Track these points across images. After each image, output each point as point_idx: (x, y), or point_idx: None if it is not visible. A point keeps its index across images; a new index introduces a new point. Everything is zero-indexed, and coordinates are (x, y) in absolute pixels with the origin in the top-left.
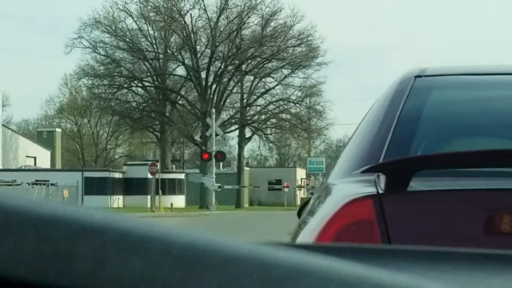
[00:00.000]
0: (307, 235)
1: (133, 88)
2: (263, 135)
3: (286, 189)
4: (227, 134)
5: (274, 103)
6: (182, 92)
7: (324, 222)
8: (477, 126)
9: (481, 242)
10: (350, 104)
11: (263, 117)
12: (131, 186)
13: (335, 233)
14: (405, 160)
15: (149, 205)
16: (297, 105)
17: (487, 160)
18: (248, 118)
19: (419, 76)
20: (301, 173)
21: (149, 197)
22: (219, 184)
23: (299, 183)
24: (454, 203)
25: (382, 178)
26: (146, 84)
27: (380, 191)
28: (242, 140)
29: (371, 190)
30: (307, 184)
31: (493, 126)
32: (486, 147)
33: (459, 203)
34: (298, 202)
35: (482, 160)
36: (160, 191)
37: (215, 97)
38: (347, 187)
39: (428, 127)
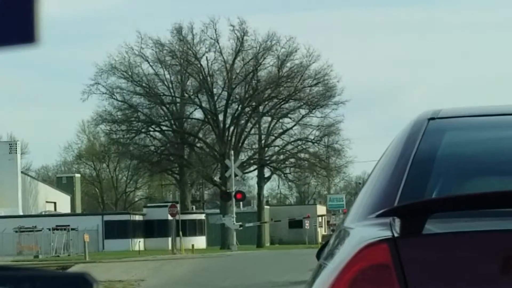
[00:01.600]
0: (324, 281)
1: (151, 133)
2: (282, 175)
3: (307, 226)
4: (246, 175)
5: (292, 143)
6: (200, 135)
7: (340, 268)
8: (492, 166)
9: (501, 284)
10: (369, 141)
11: (281, 157)
12: (152, 228)
13: (351, 278)
14: (419, 202)
15: (170, 247)
16: (316, 144)
17: (504, 200)
18: (267, 158)
19: (433, 119)
20: (321, 210)
21: (170, 239)
22: (240, 223)
23: (320, 220)
24: (471, 245)
25: (398, 221)
26: (164, 128)
27: (396, 235)
28: (262, 180)
29: (387, 233)
30: (328, 222)
31: (508, 165)
32: (501, 187)
33: (477, 245)
34: (320, 239)
35: (499, 201)
36: (180, 233)
37: (233, 139)
38: (362, 231)
39: (442, 169)
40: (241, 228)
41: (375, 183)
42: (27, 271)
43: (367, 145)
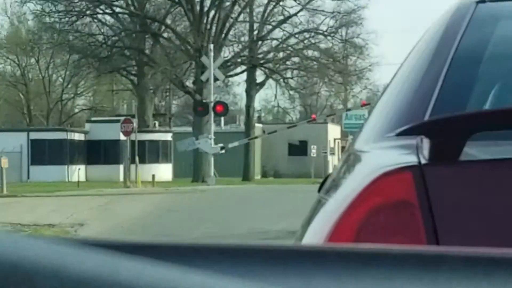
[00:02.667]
0: (323, 222)
1: (99, 16)
2: (281, 80)
3: (313, 153)
4: (230, 79)
5: (296, 35)
6: (168, 21)
7: (346, 205)
8: None
9: None
10: (402, 36)
11: (281, 54)
12: (97, 152)
13: (359, 220)
14: (460, 117)
15: (122, 178)
16: (329, 38)
17: None
18: (260, 56)
19: (483, 1)
20: (334, 131)
21: (121, 166)
22: (221, 145)
23: (332, 145)
24: None
25: (427, 142)
26: (118, 10)
27: (423, 161)
28: (252, 87)
29: (411, 159)
30: (343, 147)
31: None
32: None
33: None
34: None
35: None
36: (137, 158)
37: (214, 28)
38: (377, 156)
39: (492, 72)
40: (222, 151)
41: (398, 90)
42: None
43: (399, 42)
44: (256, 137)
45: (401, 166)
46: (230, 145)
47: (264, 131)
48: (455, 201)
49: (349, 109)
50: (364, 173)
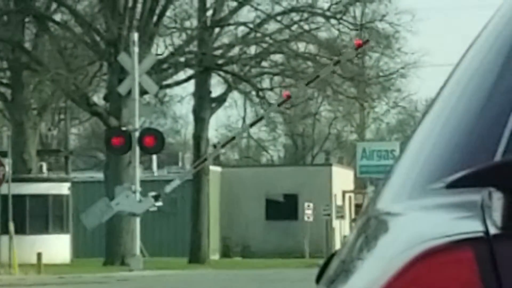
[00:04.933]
0: None
1: None
2: (254, 92)
3: (308, 216)
4: (168, 91)
5: (278, 17)
6: None
7: None
8: None
9: None
10: (456, 19)
11: (252, 50)
12: None
13: None
14: None
15: None
16: (333, 21)
17: None
18: (218, 53)
19: None
20: (343, 178)
21: None
22: (154, 193)
23: (340, 201)
24: None
25: (499, 198)
26: None
27: (493, 230)
28: (204, 104)
29: (473, 226)
30: (359, 206)
31: None
32: None
33: None
34: (338, 247)
35: None
36: (12, 226)
37: (140, 6)
38: (416, 222)
39: None
40: (157, 205)
41: (450, 111)
42: None
43: (453, 29)
44: (204, 160)
45: (457, 239)
46: (167, 189)
47: (216, 144)
48: None
49: (367, 141)
50: (395, 251)
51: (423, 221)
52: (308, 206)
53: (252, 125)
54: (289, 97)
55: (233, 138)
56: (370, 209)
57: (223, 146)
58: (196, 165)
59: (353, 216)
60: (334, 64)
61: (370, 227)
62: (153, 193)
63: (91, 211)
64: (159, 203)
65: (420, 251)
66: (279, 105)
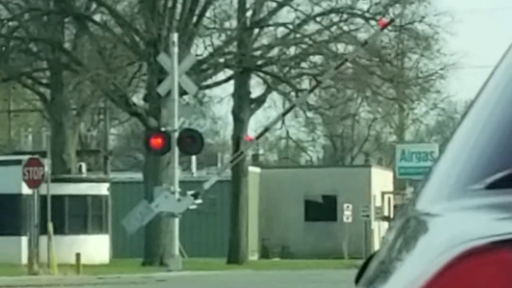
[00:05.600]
0: None
1: None
2: (295, 93)
3: (347, 217)
4: (207, 91)
5: (318, 18)
6: None
7: None
8: None
9: None
10: (495, 20)
11: (292, 50)
12: None
13: None
14: None
15: (24, 260)
16: (373, 22)
17: None
18: (257, 54)
19: None
20: (383, 179)
21: (24, 239)
22: (192, 192)
23: (379, 202)
24: None
25: None
26: None
27: None
28: (244, 105)
29: None
30: (398, 207)
31: None
32: None
33: None
34: (377, 248)
35: None
36: (50, 226)
37: (180, 7)
38: (456, 223)
39: None
40: (196, 203)
41: (491, 111)
42: None
43: (493, 30)
44: (241, 154)
45: (498, 240)
46: (206, 186)
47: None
48: None
49: (407, 143)
50: (434, 252)
51: (463, 222)
52: (347, 207)
53: (284, 114)
54: (319, 82)
55: (267, 129)
56: (410, 209)
57: (258, 137)
58: (232, 160)
59: (392, 217)
60: (362, 46)
61: (410, 227)
62: (191, 192)
63: (132, 215)
64: (199, 201)
65: (460, 251)
66: (309, 91)
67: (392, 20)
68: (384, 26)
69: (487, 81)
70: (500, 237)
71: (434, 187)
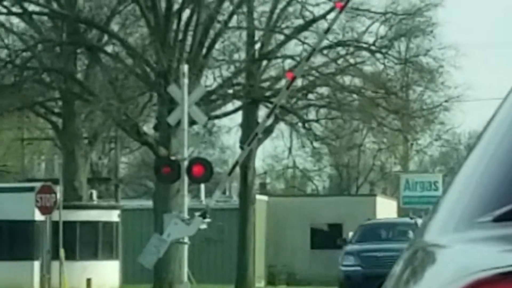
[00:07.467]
0: None
1: (1, 18)
2: (300, 124)
3: None
4: (216, 121)
5: (325, 51)
6: (115, 27)
7: None
8: None
9: None
10: (500, 53)
11: (299, 82)
12: None
13: None
14: None
15: (36, 285)
16: (378, 55)
17: None
18: (265, 85)
19: None
20: (388, 208)
21: (37, 264)
22: (199, 213)
23: None
24: None
25: None
26: (32, 8)
27: None
28: (252, 135)
29: None
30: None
31: None
32: None
33: None
34: None
35: None
36: (62, 252)
37: (190, 39)
38: (464, 254)
39: None
40: (205, 222)
41: (498, 143)
42: None
43: (498, 63)
44: (236, 164)
45: (505, 271)
46: (211, 203)
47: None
48: None
49: (411, 173)
50: (442, 283)
51: (471, 253)
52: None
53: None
54: (293, 78)
55: (256, 134)
56: (417, 240)
57: (249, 144)
58: (230, 172)
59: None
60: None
61: (417, 259)
62: (198, 213)
63: (147, 250)
64: (208, 220)
65: (468, 282)
66: (287, 88)
67: (347, 1)
68: (342, 8)
69: (494, 114)
70: (508, 268)
71: (442, 219)
